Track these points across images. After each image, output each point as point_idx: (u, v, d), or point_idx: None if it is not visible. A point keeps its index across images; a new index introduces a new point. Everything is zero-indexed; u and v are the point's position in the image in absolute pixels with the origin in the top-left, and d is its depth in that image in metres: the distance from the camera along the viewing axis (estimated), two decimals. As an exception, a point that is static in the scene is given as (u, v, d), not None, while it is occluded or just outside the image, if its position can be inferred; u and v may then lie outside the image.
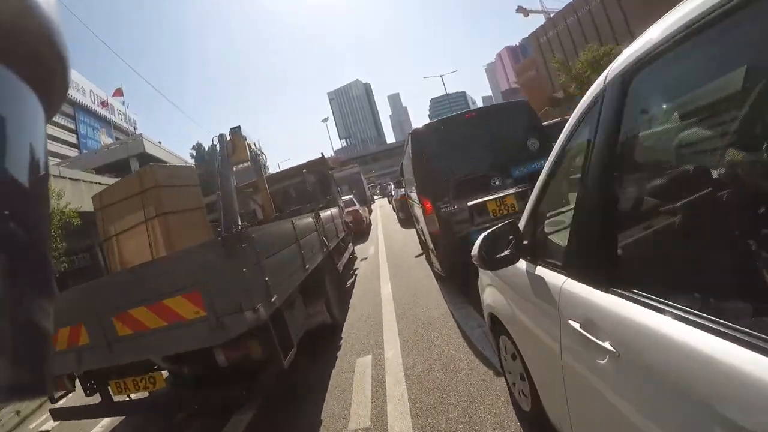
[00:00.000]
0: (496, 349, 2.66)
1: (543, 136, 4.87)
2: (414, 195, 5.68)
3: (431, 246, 5.15)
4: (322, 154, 10.16)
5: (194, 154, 56.26)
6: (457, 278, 5.07)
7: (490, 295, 2.39)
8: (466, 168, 4.77)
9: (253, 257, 2.76)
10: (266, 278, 2.83)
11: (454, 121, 5.10)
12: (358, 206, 14.61)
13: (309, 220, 4.96)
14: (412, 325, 4.44)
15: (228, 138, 8.85)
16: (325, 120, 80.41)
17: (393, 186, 17.83)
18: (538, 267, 1.62)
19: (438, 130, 4.99)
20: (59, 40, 0.30)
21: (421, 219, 5.32)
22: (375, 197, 38.22)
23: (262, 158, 10.23)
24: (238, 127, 9.07)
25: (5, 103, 0.26)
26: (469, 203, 4.65)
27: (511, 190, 4.64)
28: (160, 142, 29.84)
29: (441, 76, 49.67)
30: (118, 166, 28.00)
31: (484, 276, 2.53)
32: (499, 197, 4.63)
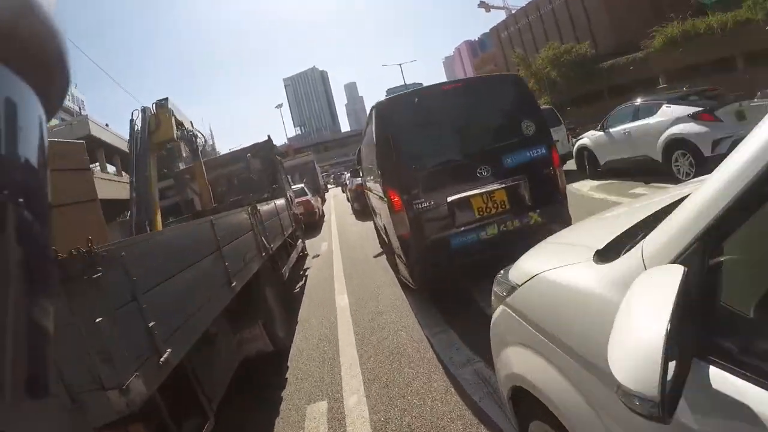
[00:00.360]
0: (516, 425, 1.73)
1: (539, 119, 3.96)
2: (375, 185, 4.63)
3: (399, 251, 4.14)
4: (268, 136, 8.85)
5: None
6: (430, 290, 4.15)
7: (520, 359, 1.43)
8: (445, 153, 3.79)
9: (121, 294, 1.59)
10: (150, 324, 1.70)
11: (428, 93, 4.03)
12: (310, 196, 13.41)
13: (242, 217, 3.79)
14: (378, 354, 3.45)
15: (153, 112, 7.40)
16: (280, 106, 76.67)
17: (348, 175, 16.69)
18: (714, 368, 0.69)
19: (409, 105, 3.92)
20: (59, 40, 0.29)
21: (385, 215, 4.28)
22: (329, 186, 37.42)
23: (201, 140, 8.85)
24: (166, 100, 7.57)
25: (5, 102, 0.26)
26: (449, 198, 3.70)
27: (502, 184, 3.74)
28: (107, 125, 26.63)
29: (400, 64, 49.25)
30: (63, 151, 24.39)
31: (508, 321, 1.56)
32: (486, 192, 3.71)
